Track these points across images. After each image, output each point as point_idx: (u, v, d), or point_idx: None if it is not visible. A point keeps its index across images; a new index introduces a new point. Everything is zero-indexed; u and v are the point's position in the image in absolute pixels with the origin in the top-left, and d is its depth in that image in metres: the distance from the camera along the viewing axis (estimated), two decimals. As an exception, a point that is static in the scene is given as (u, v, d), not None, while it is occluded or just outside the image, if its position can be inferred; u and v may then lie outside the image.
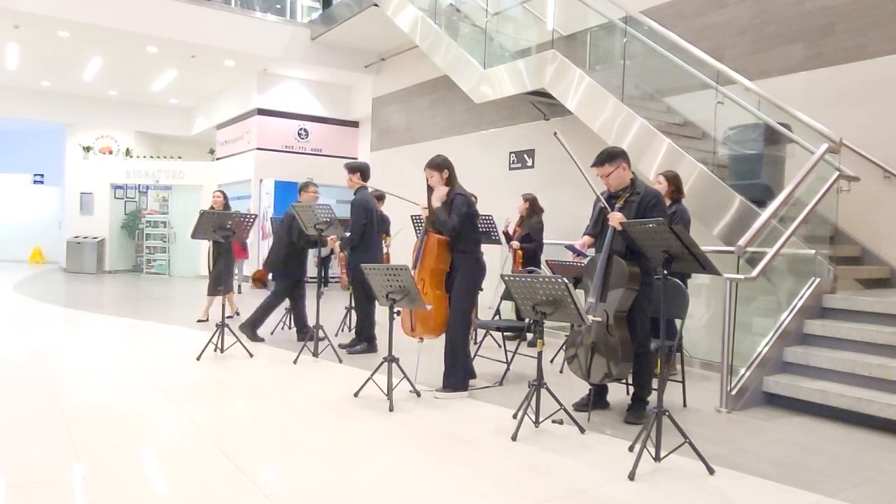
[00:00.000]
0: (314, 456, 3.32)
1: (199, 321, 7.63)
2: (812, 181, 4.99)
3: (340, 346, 6.04)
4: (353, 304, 6.44)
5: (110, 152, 16.48)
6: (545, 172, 8.59)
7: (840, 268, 5.05)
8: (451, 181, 4.61)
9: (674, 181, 5.18)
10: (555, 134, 4.18)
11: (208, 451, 3.32)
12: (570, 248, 4.20)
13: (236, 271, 11.65)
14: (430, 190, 4.66)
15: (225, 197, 7.91)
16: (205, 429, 3.66)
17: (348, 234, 5.96)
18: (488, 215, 6.69)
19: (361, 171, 6.12)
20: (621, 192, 3.99)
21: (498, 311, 6.23)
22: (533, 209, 6.82)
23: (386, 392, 4.20)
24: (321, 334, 5.76)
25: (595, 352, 3.97)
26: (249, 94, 13.42)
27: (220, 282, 7.11)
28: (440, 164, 4.61)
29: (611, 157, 3.98)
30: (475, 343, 5.76)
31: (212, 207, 7.39)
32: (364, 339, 6.03)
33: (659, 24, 6.40)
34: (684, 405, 4.45)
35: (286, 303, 7.16)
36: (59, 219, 17.44)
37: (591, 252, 4.23)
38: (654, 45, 6.67)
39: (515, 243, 6.58)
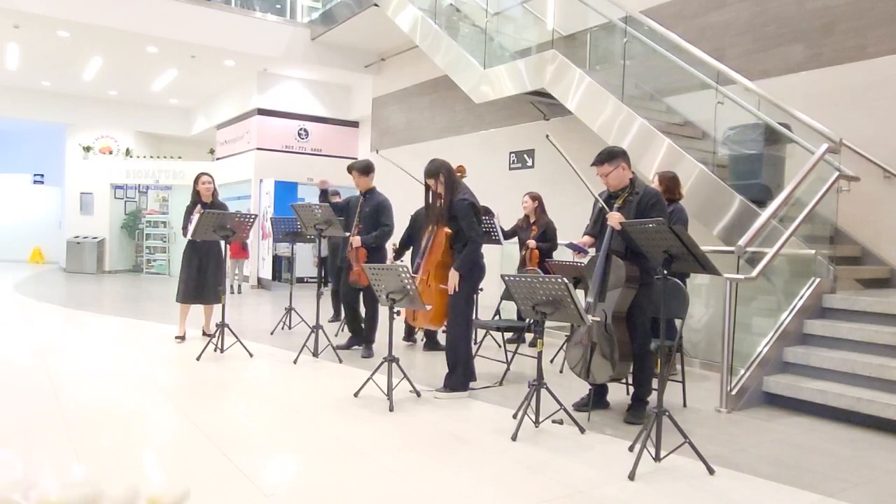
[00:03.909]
0: (314, 456, 3.32)
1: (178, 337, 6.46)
2: (812, 181, 4.99)
3: (338, 347, 5.95)
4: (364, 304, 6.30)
5: (110, 152, 16.47)
6: (545, 172, 8.59)
7: (840, 268, 5.05)
8: (448, 186, 4.56)
9: (667, 181, 5.09)
10: (547, 136, 4.18)
11: (208, 451, 3.32)
12: (571, 245, 4.20)
13: (236, 271, 11.70)
14: (434, 195, 4.64)
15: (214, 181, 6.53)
16: (205, 429, 3.66)
17: (345, 234, 5.89)
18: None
19: (374, 170, 6.00)
20: (620, 191, 3.99)
21: (498, 311, 6.23)
22: (542, 207, 6.75)
23: (386, 392, 4.20)
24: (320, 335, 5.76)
25: (594, 352, 3.97)
26: (249, 94, 13.42)
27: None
28: (432, 172, 4.57)
29: (610, 156, 3.98)
30: (475, 343, 5.75)
31: (197, 193, 6.30)
32: (370, 341, 5.97)
33: (659, 24, 6.40)
34: (684, 405, 4.45)
35: (286, 303, 7.16)
36: (59, 219, 17.44)
37: (592, 251, 4.23)
38: (655, 45, 6.67)
39: (532, 242, 6.43)
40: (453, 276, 4.46)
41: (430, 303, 4.54)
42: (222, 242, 6.08)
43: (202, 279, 6.24)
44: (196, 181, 6.35)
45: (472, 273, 4.57)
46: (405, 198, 7.08)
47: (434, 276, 4.61)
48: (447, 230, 4.57)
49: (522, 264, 6.52)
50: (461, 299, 4.53)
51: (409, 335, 6.65)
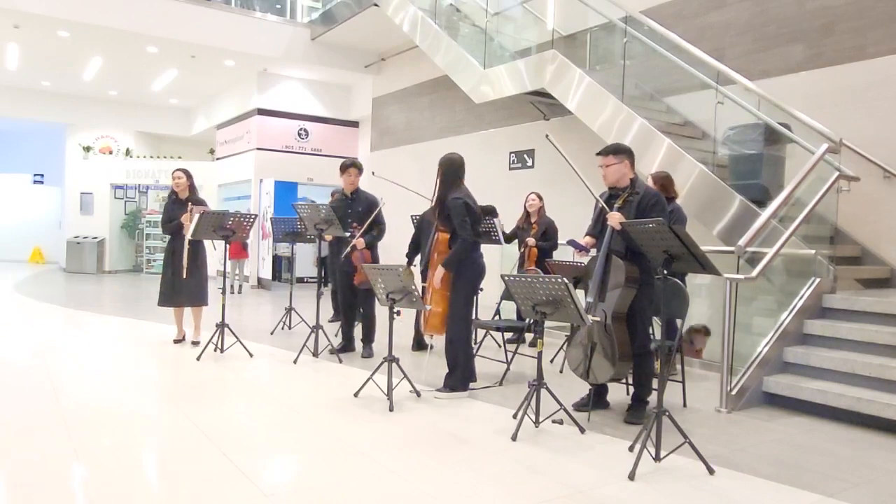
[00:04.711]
0: (314, 456, 3.32)
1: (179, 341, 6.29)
2: (812, 181, 4.99)
3: (332, 351, 5.80)
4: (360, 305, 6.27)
5: (110, 152, 16.48)
6: (545, 172, 8.59)
7: (840, 268, 5.05)
8: (444, 180, 4.59)
9: (661, 181, 5.09)
10: (546, 136, 4.20)
11: (208, 451, 3.32)
12: (572, 242, 4.20)
13: (236, 271, 11.70)
14: (437, 187, 4.68)
15: (188, 176, 6.23)
16: (205, 429, 3.66)
17: (345, 234, 5.88)
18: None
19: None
20: (621, 191, 3.99)
21: (498, 311, 6.23)
22: (544, 208, 6.72)
23: (386, 392, 4.20)
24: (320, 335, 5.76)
25: (594, 352, 3.97)
26: (249, 94, 13.42)
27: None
28: (439, 164, 4.65)
29: (617, 150, 4.02)
30: (475, 343, 5.74)
31: (174, 193, 6.19)
32: (370, 340, 5.97)
33: (659, 24, 6.41)
34: (684, 405, 4.45)
35: (286, 303, 7.16)
36: (59, 219, 17.44)
37: (594, 252, 4.23)
38: (655, 45, 6.67)
39: (531, 240, 6.40)
40: (439, 271, 4.47)
41: (436, 309, 4.55)
42: (208, 242, 6.02)
43: (178, 281, 6.02)
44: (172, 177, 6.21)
45: (469, 272, 4.56)
46: (403, 200, 7.09)
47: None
48: (444, 235, 4.58)
49: (521, 263, 6.51)
50: (460, 300, 4.53)
51: (420, 346, 6.32)
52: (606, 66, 7.27)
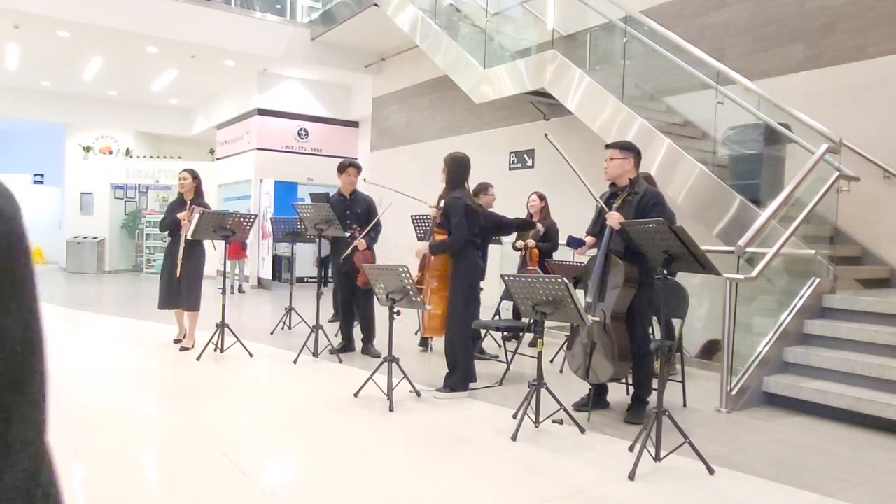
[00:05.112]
0: (314, 456, 3.32)
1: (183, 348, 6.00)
2: (812, 181, 4.99)
3: (332, 351, 5.82)
4: (356, 305, 6.29)
5: (110, 152, 16.47)
6: (545, 172, 8.58)
7: (840, 268, 5.05)
8: (449, 177, 4.62)
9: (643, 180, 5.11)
10: (546, 135, 4.20)
11: (208, 451, 3.32)
12: (570, 239, 4.20)
13: (236, 271, 11.70)
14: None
15: (195, 177, 6.07)
16: (205, 429, 3.66)
17: (345, 234, 5.90)
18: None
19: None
20: (620, 191, 4.00)
21: (498, 311, 6.23)
22: (548, 209, 6.70)
23: (386, 392, 4.20)
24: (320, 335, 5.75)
25: (594, 351, 3.97)
26: (249, 94, 13.41)
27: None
28: (445, 162, 4.68)
29: (626, 146, 4.06)
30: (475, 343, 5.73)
31: (180, 194, 6.10)
32: (372, 339, 5.97)
33: (659, 24, 6.40)
34: (684, 405, 4.45)
35: (286, 303, 7.16)
36: (59, 219, 17.44)
37: (593, 251, 4.23)
38: (655, 45, 6.66)
39: (531, 241, 6.37)
40: (422, 249, 4.50)
41: (435, 311, 4.56)
42: (208, 243, 5.98)
43: (174, 283, 5.92)
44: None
45: (467, 273, 4.56)
46: (404, 199, 7.07)
47: (438, 286, 4.63)
48: (441, 237, 4.60)
49: (523, 264, 6.51)
50: (458, 300, 4.53)
51: (424, 343, 6.38)
52: (606, 66, 7.27)
